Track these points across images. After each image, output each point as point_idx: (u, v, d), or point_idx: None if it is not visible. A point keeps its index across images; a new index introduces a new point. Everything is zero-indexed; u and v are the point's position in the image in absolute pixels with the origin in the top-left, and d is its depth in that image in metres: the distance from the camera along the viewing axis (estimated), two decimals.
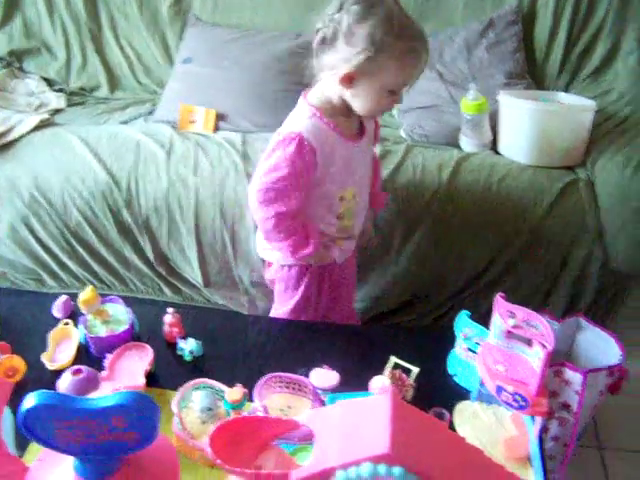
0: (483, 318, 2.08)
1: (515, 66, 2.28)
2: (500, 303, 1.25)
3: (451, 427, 1.29)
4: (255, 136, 2.13)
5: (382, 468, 0.75)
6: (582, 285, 1.99)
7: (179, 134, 2.14)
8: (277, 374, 1.32)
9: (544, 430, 1.81)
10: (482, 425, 1.31)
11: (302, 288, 1.66)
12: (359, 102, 1.44)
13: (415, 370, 1.38)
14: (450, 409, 1.32)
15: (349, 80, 1.40)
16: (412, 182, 1.94)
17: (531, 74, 2.34)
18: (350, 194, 1.57)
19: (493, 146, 2.13)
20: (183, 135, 2.13)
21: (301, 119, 1.47)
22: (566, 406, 1.76)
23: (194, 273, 2.10)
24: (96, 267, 2.14)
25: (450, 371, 1.43)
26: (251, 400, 1.27)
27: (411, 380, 1.37)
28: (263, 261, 1.76)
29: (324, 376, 1.26)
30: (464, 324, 1.42)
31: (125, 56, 2.50)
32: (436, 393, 1.38)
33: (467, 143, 2.12)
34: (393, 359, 1.40)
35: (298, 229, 1.52)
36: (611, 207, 1.93)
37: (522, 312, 1.23)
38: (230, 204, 2.00)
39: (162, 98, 2.31)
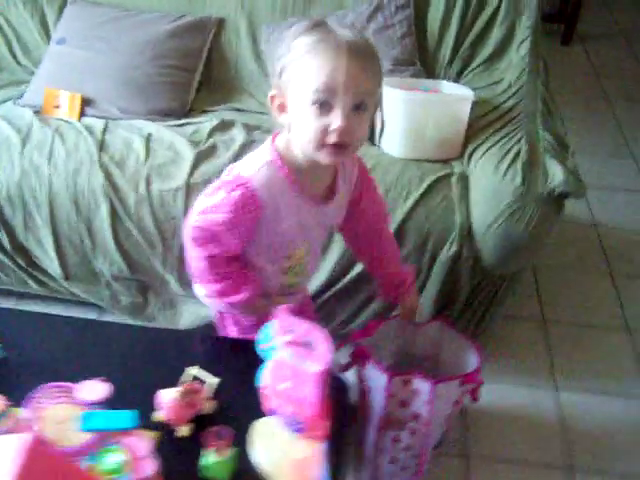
0: (342, 324, 1.99)
1: (403, 52, 2.16)
2: (280, 316, 1.15)
3: (242, 446, 1.20)
4: (119, 123, 2.03)
5: None
6: (453, 285, 1.89)
7: (40, 120, 2.03)
8: (57, 384, 1.22)
9: (395, 440, 1.72)
10: (276, 445, 1.21)
11: None
12: (297, 133, 1.21)
13: (213, 382, 1.28)
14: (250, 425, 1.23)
15: (281, 107, 1.22)
16: None
17: (422, 61, 2.22)
18: (301, 253, 1.38)
19: (372, 137, 2.02)
20: (44, 121, 2.02)
21: (257, 163, 1.25)
22: (416, 416, 1.67)
23: (53, 265, 2.00)
24: None
25: (258, 383, 1.32)
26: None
27: (209, 393, 1.27)
28: None
29: (93, 388, 1.16)
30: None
31: (3, 35, 2.36)
32: (240, 407, 1.28)
33: None
34: (192, 370, 1.30)
35: (233, 275, 1.34)
36: (482, 203, 1.83)
37: (303, 327, 1.13)
38: (84, 195, 1.90)
39: (32, 81, 2.19)
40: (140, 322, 2.07)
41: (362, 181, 1.44)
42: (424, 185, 1.85)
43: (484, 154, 1.89)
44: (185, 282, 1.97)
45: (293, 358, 1.13)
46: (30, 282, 2.09)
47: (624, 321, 2.27)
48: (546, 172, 1.82)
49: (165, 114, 2.10)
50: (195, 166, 1.88)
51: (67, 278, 2.02)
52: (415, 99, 1.89)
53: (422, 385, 1.62)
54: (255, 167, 1.25)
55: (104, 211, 1.89)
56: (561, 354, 2.15)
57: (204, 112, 2.17)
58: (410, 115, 1.88)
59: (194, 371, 1.30)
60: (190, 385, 1.26)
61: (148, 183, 1.88)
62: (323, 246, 1.53)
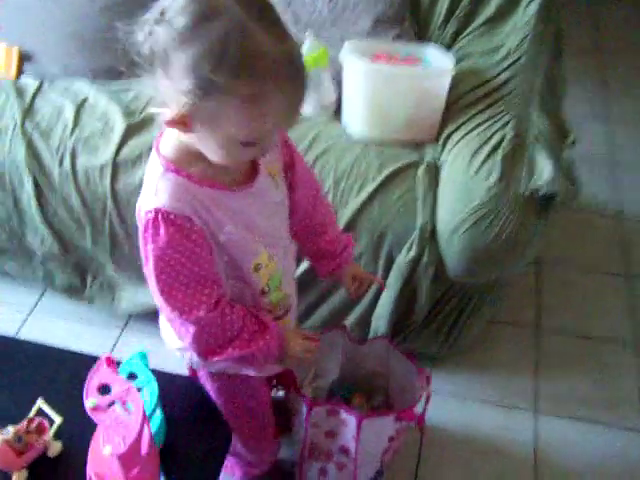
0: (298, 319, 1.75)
1: (388, 9, 1.83)
2: (100, 368, 0.92)
3: None
4: (55, 84, 1.81)
5: None
6: (413, 294, 1.62)
7: None
8: None
9: (322, 472, 1.50)
10: None
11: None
12: (206, 150, 0.97)
13: (58, 421, 1.08)
14: None
15: (182, 123, 0.93)
16: None
17: (415, 18, 1.89)
18: (264, 257, 1.11)
19: (339, 110, 1.74)
20: None
21: (152, 185, 1.01)
22: (345, 450, 1.44)
23: None
24: None
25: None
26: None
27: (51, 433, 1.08)
28: None
29: None
30: (133, 368, 1.09)
31: None
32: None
33: (306, 104, 1.73)
34: (39, 403, 1.10)
35: (245, 319, 1.07)
36: (449, 202, 1.53)
37: (123, 389, 0.90)
38: (6, 167, 1.70)
39: None
40: (79, 303, 1.91)
41: (285, 141, 1.20)
42: (383, 175, 1.57)
43: (460, 140, 1.59)
44: (119, 266, 1.78)
45: (110, 424, 0.91)
46: None
47: (633, 336, 1.94)
48: (532, 168, 1.51)
49: (113, 74, 1.85)
50: (124, 141, 1.65)
51: None
52: (379, 71, 1.58)
53: (348, 417, 1.39)
54: (152, 191, 0.99)
55: (29, 186, 1.70)
56: (551, 371, 1.85)
57: None
58: (372, 90, 1.59)
59: (39, 405, 1.11)
60: (38, 421, 1.07)
61: (73, 157, 1.67)
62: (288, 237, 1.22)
